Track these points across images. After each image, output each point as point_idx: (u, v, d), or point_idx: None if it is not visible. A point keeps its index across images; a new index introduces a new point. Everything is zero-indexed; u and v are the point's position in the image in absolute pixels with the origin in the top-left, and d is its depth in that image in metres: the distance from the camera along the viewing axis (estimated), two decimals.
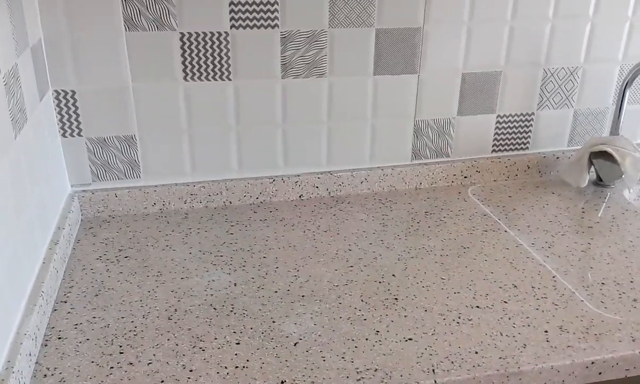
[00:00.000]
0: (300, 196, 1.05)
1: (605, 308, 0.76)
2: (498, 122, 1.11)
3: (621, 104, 1.08)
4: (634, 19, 1.10)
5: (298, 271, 0.82)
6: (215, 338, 0.69)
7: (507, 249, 0.90)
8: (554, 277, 0.82)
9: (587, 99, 1.14)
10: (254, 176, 1.03)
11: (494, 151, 1.14)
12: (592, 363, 0.66)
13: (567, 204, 1.05)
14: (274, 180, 1.02)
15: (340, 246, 0.89)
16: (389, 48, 1.00)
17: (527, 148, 1.15)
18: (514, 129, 1.13)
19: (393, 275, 0.81)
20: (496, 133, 1.12)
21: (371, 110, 1.04)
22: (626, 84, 1.06)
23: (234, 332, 0.70)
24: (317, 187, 1.05)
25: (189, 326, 0.71)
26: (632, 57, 1.13)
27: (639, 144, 1.20)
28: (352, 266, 0.83)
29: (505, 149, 1.14)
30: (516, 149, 1.15)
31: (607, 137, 1.06)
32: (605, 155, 1.05)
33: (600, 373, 0.67)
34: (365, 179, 1.06)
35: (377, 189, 1.08)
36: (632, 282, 0.81)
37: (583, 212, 1.02)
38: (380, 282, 0.80)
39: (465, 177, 1.13)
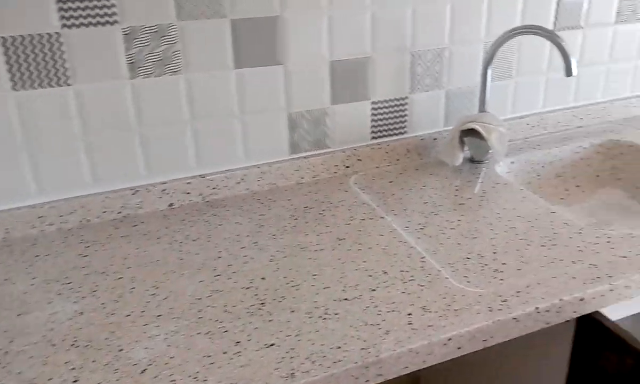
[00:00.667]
0: (170, 205, 1.03)
1: (468, 282, 0.80)
2: (373, 108, 1.14)
3: (485, 82, 1.14)
4: None
5: (157, 288, 0.81)
6: (50, 379, 0.65)
7: (382, 235, 0.93)
8: (422, 258, 0.86)
9: (456, 79, 1.19)
10: (112, 189, 1.00)
11: (373, 137, 1.17)
12: (449, 339, 0.70)
13: (442, 184, 1.10)
14: (136, 191, 1.00)
15: (209, 255, 0.89)
16: (248, 39, 1.00)
17: (405, 132, 1.20)
18: (390, 115, 1.16)
19: (262, 278, 0.82)
20: (373, 120, 1.15)
21: (238, 105, 1.04)
22: (487, 63, 1.12)
23: (73, 368, 0.67)
24: (188, 193, 1.04)
25: (19, 369, 0.67)
26: (495, 35, 1.19)
27: (506, 120, 1.27)
28: (219, 275, 0.84)
29: (385, 135, 1.18)
30: (395, 134, 1.19)
31: (476, 114, 1.12)
32: (473, 132, 1.11)
33: (459, 348, 0.71)
34: (242, 179, 1.07)
35: (256, 189, 1.08)
36: (495, 253, 0.86)
37: (457, 190, 1.07)
38: (248, 288, 0.80)
39: (347, 167, 1.15)
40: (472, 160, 1.17)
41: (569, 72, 0.99)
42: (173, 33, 0.95)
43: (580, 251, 0.86)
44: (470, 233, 0.92)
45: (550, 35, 1.01)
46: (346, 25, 1.06)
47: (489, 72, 1.12)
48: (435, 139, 1.20)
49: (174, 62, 0.97)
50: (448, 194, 1.06)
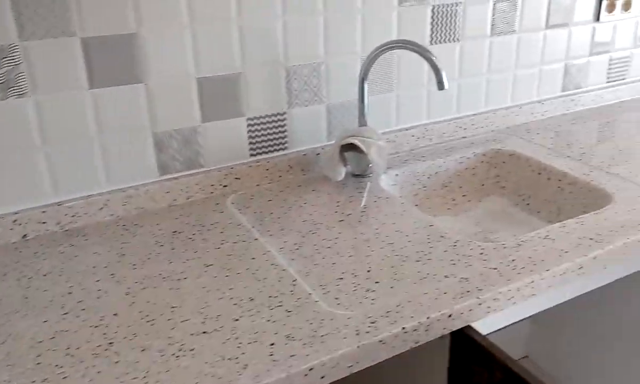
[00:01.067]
0: (24, 237, 0.94)
1: (338, 304, 0.77)
2: (250, 125, 1.10)
3: (362, 96, 1.13)
4: (364, 11, 1.15)
5: None
6: None
7: (253, 259, 0.88)
8: (294, 281, 0.82)
9: (336, 94, 1.18)
10: None
11: (252, 154, 1.13)
12: (311, 369, 0.67)
13: (324, 200, 1.07)
14: None
15: (59, 291, 0.81)
16: (103, 57, 0.93)
17: (286, 148, 1.16)
18: (269, 131, 1.13)
19: (115, 314, 0.75)
20: (250, 136, 1.11)
21: (96, 127, 0.96)
22: (363, 77, 1.11)
23: None
24: (44, 223, 0.95)
25: None
26: (370, 49, 1.18)
27: (391, 132, 1.27)
28: (66, 313, 0.76)
29: (264, 152, 1.14)
30: (275, 150, 1.15)
31: (356, 128, 1.11)
32: (353, 147, 1.09)
33: (322, 378, 0.68)
34: (105, 205, 0.99)
35: (122, 214, 1.01)
36: (369, 271, 0.84)
37: (338, 206, 1.05)
38: (97, 326, 0.73)
39: (224, 186, 1.10)
40: (356, 174, 1.16)
41: (440, 86, 1.00)
42: (15, 54, 0.87)
43: (453, 264, 0.85)
44: (346, 251, 0.90)
45: (421, 50, 1.02)
46: (212, 41, 1.01)
47: (366, 86, 1.12)
48: (318, 154, 1.18)
49: (18, 84, 0.89)
50: (329, 210, 1.03)
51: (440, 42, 1.26)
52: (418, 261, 0.87)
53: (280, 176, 1.15)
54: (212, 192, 1.09)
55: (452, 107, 1.34)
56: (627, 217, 0.97)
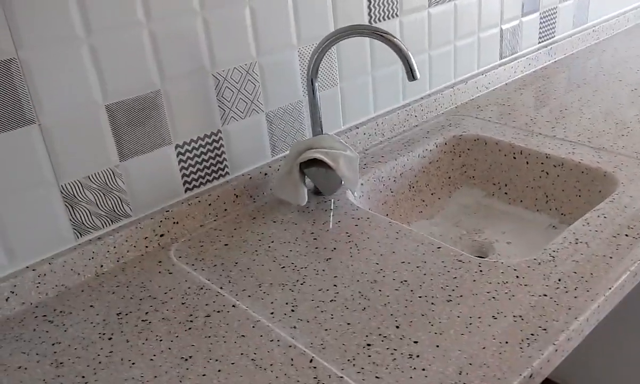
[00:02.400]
0: None
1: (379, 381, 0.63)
2: (180, 153, 0.90)
3: (314, 98, 0.97)
4: None
5: None
6: None
7: (244, 337, 0.71)
8: (311, 361, 0.67)
9: (275, 98, 1.01)
10: None
11: (188, 189, 0.93)
12: None
13: (293, 233, 0.91)
14: None
15: None
16: None
17: (227, 173, 0.98)
18: (204, 156, 0.94)
19: None
20: (183, 168, 0.92)
21: None
22: (312, 75, 0.96)
23: None
24: None
25: None
26: (308, 38, 1.03)
27: (340, 133, 1.14)
28: None
29: (202, 183, 0.95)
30: (215, 178, 0.96)
31: (311, 139, 0.95)
32: (316, 162, 0.94)
33: None
34: (13, 292, 0.75)
35: (37, 300, 0.77)
36: (398, 327, 0.70)
37: (315, 239, 0.90)
38: None
39: (161, 235, 0.90)
40: (316, 192, 1.01)
41: (411, 77, 0.88)
42: None
43: (493, 298, 0.74)
44: (355, 302, 0.75)
45: (383, 36, 0.88)
46: (118, 55, 0.80)
47: (316, 85, 0.96)
48: (265, 174, 1.01)
49: None
50: (306, 246, 0.87)
51: (380, 20, 1.14)
52: (449, 300, 0.74)
53: (226, 210, 0.97)
54: (147, 247, 0.88)
55: (398, 94, 1.24)
56: None
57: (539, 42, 1.58)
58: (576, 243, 0.84)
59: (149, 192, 0.88)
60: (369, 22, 1.12)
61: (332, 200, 0.99)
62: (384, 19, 1.15)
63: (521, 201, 1.16)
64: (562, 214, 1.10)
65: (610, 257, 0.80)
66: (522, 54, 1.53)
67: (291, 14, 0.99)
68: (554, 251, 0.82)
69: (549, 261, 0.80)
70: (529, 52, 1.55)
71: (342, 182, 0.97)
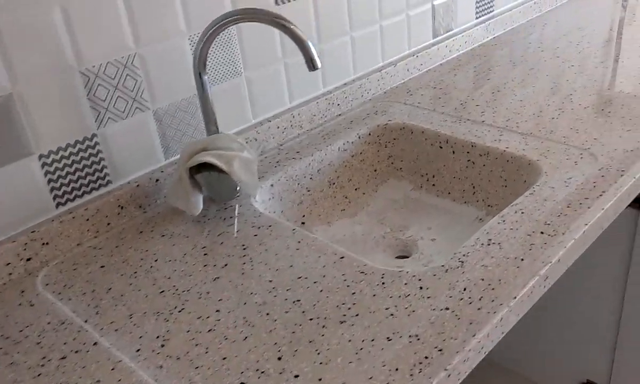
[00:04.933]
0: None
1: None
2: (46, 164, 0.80)
3: (203, 93, 0.87)
4: None
5: None
6: None
7: (98, 382, 0.61)
8: None
9: (164, 94, 0.91)
10: None
11: (59, 204, 0.83)
12: None
13: (183, 248, 0.81)
14: None
15: None
16: None
17: (109, 182, 0.88)
18: (77, 165, 0.83)
19: None
20: (51, 180, 0.81)
21: None
22: (199, 67, 0.85)
23: None
24: None
25: None
26: (201, 24, 0.92)
27: (249, 128, 1.04)
28: None
29: (78, 196, 0.85)
30: (94, 189, 0.86)
31: (205, 139, 0.85)
32: (208, 166, 0.84)
33: None
34: None
35: None
36: (279, 359, 0.62)
37: (205, 254, 0.80)
38: None
39: (28, 260, 0.79)
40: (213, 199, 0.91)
41: (311, 66, 0.78)
42: None
43: (391, 315, 0.66)
44: (236, 330, 0.66)
45: (274, 20, 0.78)
46: None
47: (205, 78, 0.86)
48: (157, 180, 0.91)
49: None
50: (194, 264, 0.78)
51: (289, 1, 1.04)
52: (343, 321, 0.66)
53: (109, 224, 0.87)
54: (11, 275, 0.78)
55: (318, 81, 1.14)
56: (568, 192, 0.85)
57: (477, 18, 1.49)
58: (488, 245, 0.75)
59: (10, 212, 0.78)
60: (276, 3, 1.02)
61: (236, 206, 0.90)
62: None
63: (449, 193, 1.08)
64: (489, 205, 1.02)
65: (522, 260, 0.72)
66: (457, 31, 1.44)
67: None
68: (463, 256, 0.74)
69: (457, 268, 0.72)
70: (465, 28, 1.46)
71: (238, 188, 0.87)
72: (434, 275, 0.71)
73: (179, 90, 0.92)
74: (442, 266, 0.73)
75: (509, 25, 1.58)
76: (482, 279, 0.70)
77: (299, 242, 0.80)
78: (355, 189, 1.10)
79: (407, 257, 0.99)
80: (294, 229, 0.83)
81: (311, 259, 0.76)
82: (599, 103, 1.10)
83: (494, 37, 1.53)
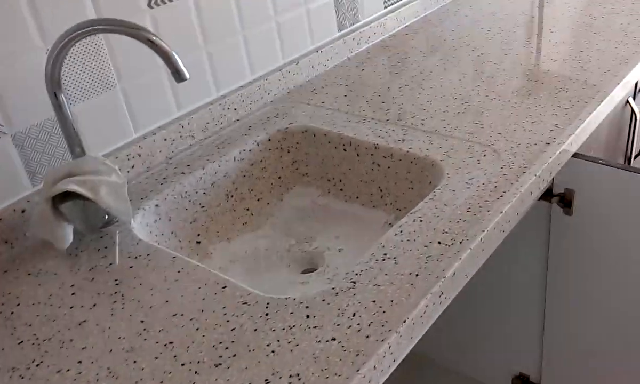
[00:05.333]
0: None
1: None
2: None
3: (61, 111, 0.78)
4: None
5: None
6: None
7: None
8: None
9: (21, 115, 0.81)
10: None
11: None
12: None
13: (48, 290, 0.73)
14: None
15: None
16: None
17: None
18: None
19: None
20: None
21: None
22: (53, 84, 0.76)
23: None
24: None
25: None
26: (56, 36, 0.84)
27: (131, 142, 0.95)
28: None
29: None
30: None
31: (69, 163, 0.77)
32: (74, 193, 0.76)
33: None
34: None
35: None
36: None
37: (73, 294, 0.72)
38: None
39: None
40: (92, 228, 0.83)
41: (178, 77, 0.72)
42: None
43: (272, 352, 0.60)
44: None
45: (139, 34, 0.71)
46: None
47: (62, 97, 0.77)
48: (23, 211, 0.82)
49: None
50: (59, 307, 0.70)
51: (164, 2, 0.96)
52: (218, 364, 0.60)
53: None
54: None
55: (209, 86, 1.07)
56: (469, 194, 0.81)
57: (385, 7, 1.44)
58: (383, 260, 0.70)
59: None
60: (149, 5, 0.93)
61: (116, 232, 0.82)
62: (171, 0, 0.97)
63: (357, 197, 1.03)
64: (397, 209, 0.98)
65: (417, 275, 0.67)
66: (365, 22, 1.39)
67: (24, 5, 0.79)
68: (356, 275, 0.69)
69: (348, 290, 0.67)
70: (373, 19, 1.41)
71: (106, 217, 0.80)
72: (323, 300, 0.66)
73: (39, 111, 0.83)
74: (333, 288, 0.67)
75: (421, 13, 1.54)
76: (374, 301, 0.65)
77: (179, 272, 0.73)
78: (258, 200, 1.04)
79: (314, 270, 0.93)
80: (174, 257, 0.76)
81: (190, 292, 0.70)
82: (505, 95, 1.07)
83: (405, 26, 1.49)
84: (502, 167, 0.86)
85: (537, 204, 1.06)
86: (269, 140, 1.05)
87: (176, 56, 0.72)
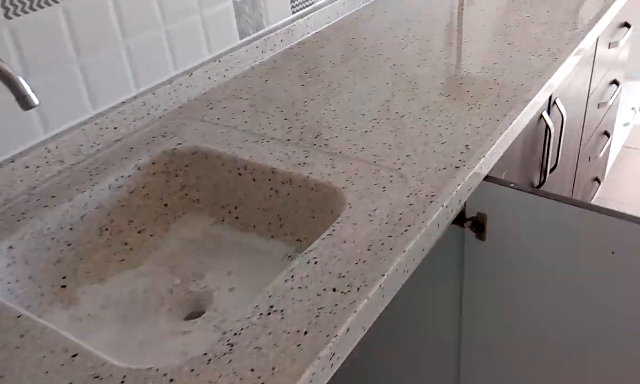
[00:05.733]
0: None
1: None
2: None
3: None
4: None
5: None
6: None
7: None
8: None
9: None
10: None
11: None
12: None
13: None
14: None
15: None
16: None
17: None
18: None
19: None
20: None
21: None
22: None
23: None
24: None
25: None
26: None
27: None
28: None
29: None
30: None
31: None
32: None
33: None
34: None
35: None
36: None
37: None
38: None
39: None
40: None
41: (24, 104, 0.60)
42: None
43: None
44: None
45: None
46: None
47: None
48: None
49: None
50: None
51: (25, 11, 0.83)
52: None
53: None
54: None
55: (83, 103, 0.94)
56: (371, 229, 0.72)
57: (293, 12, 1.35)
58: (269, 314, 0.61)
59: None
60: (7, 16, 0.80)
61: None
62: (34, 9, 0.84)
63: (254, 226, 0.93)
64: (298, 240, 0.89)
65: (305, 333, 0.58)
66: (271, 29, 1.29)
67: None
68: (235, 335, 0.59)
69: (223, 355, 0.57)
70: (280, 25, 1.31)
71: None
72: (192, 370, 0.55)
73: None
74: (205, 354, 0.57)
75: (333, 18, 1.46)
76: (252, 370, 0.55)
77: (22, 335, 0.61)
78: (139, 232, 0.92)
79: (200, 314, 0.83)
80: (19, 316, 0.63)
81: (32, 362, 0.58)
82: (415, 111, 1.00)
83: (316, 33, 1.40)
84: (408, 196, 0.78)
85: (450, 228, 0.99)
86: (153, 163, 0.94)
87: (22, 80, 0.61)
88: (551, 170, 1.35)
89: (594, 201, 2.02)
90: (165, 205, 0.96)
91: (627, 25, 1.72)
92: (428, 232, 0.73)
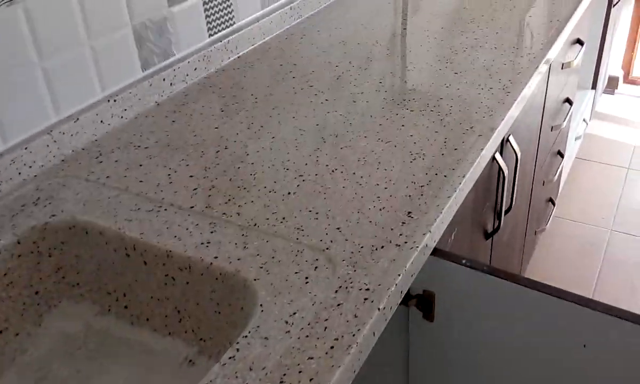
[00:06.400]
0: None
1: None
2: None
3: None
4: None
5: None
6: None
7: None
8: None
9: None
10: None
11: None
12: None
13: None
14: None
15: None
16: None
17: None
18: None
19: None
20: None
21: None
22: None
23: None
24: None
25: None
26: None
27: None
28: None
29: None
30: None
31: None
32: None
33: None
34: None
35: None
36: None
37: None
38: None
39: None
40: None
41: None
42: None
43: None
44: None
45: None
46: None
47: None
48: None
49: None
50: None
51: None
52: None
53: None
54: None
55: None
56: (287, 345, 0.56)
57: (210, 35, 1.18)
58: None
59: None
60: None
61: None
62: None
63: (147, 319, 0.76)
64: (201, 339, 0.72)
65: None
66: (182, 56, 1.12)
67: None
68: None
69: None
70: (194, 51, 1.14)
71: None
72: None
73: None
74: None
75: (259, 39, 1.29)
76: None
77: None
78: (0, 332, 0.73)
79: None
80: None
81: None
82: (349, 164, 0.85)
83: (237, 58, 1.23)
84: (336, 291, 0.62)
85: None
86: (18, 243, 0.75)
87: None
88: (506, 212, 1.22)
89: (550, 222, 1.91)
90: (36, 293, 0.77)
91: (579, 42, 1.62)
92: (360, 349, 0.57)
